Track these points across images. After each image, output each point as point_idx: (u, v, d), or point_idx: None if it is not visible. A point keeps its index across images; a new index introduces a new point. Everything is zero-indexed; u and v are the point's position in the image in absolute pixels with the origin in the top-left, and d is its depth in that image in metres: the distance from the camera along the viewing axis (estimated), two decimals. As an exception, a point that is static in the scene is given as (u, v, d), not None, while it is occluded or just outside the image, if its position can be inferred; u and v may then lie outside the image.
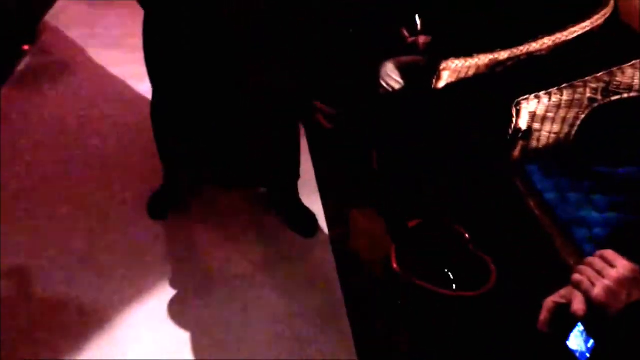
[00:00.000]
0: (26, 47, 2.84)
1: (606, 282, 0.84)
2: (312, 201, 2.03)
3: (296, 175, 1.92)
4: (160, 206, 1.98)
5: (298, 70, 1.74)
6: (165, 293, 1.72)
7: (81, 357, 1.53)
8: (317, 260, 1.86)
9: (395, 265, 1.66)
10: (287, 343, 1.58)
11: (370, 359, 1.57)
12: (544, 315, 0.88)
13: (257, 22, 1.53)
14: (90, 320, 1.62)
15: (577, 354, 0.86)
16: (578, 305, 0.86)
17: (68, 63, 2.82)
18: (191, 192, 2.04)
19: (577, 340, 0.86)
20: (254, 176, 1.92)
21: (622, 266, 0.85)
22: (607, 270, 0.85)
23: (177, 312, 1.67)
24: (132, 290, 1.71)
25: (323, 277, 1.79)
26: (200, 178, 2.03)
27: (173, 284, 1.74)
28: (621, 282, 0.83)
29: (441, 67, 1.74)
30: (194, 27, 1.51)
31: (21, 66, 2.74)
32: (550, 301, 0.90)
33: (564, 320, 0.87)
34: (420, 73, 1.87)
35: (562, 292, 0.92)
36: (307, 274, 1.80)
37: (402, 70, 1.94)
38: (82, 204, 2.00)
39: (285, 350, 1.57)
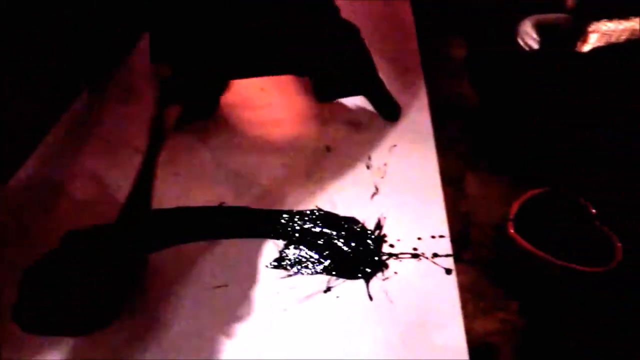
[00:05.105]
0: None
1: None
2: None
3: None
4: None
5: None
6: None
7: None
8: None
9: (511, 231, 1.64)
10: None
11: (480, 334, 1.56)
12: None
13: None
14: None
15: None
16: None
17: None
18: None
19: None
20: None
21: None
22: None
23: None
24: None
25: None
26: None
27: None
28: None
29: (590, 29, 1.64)
30: None
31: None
32: None
33: None
34: (562, 33, 1.78)
35: None
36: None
37: (542, 29, 1.85)
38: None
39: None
